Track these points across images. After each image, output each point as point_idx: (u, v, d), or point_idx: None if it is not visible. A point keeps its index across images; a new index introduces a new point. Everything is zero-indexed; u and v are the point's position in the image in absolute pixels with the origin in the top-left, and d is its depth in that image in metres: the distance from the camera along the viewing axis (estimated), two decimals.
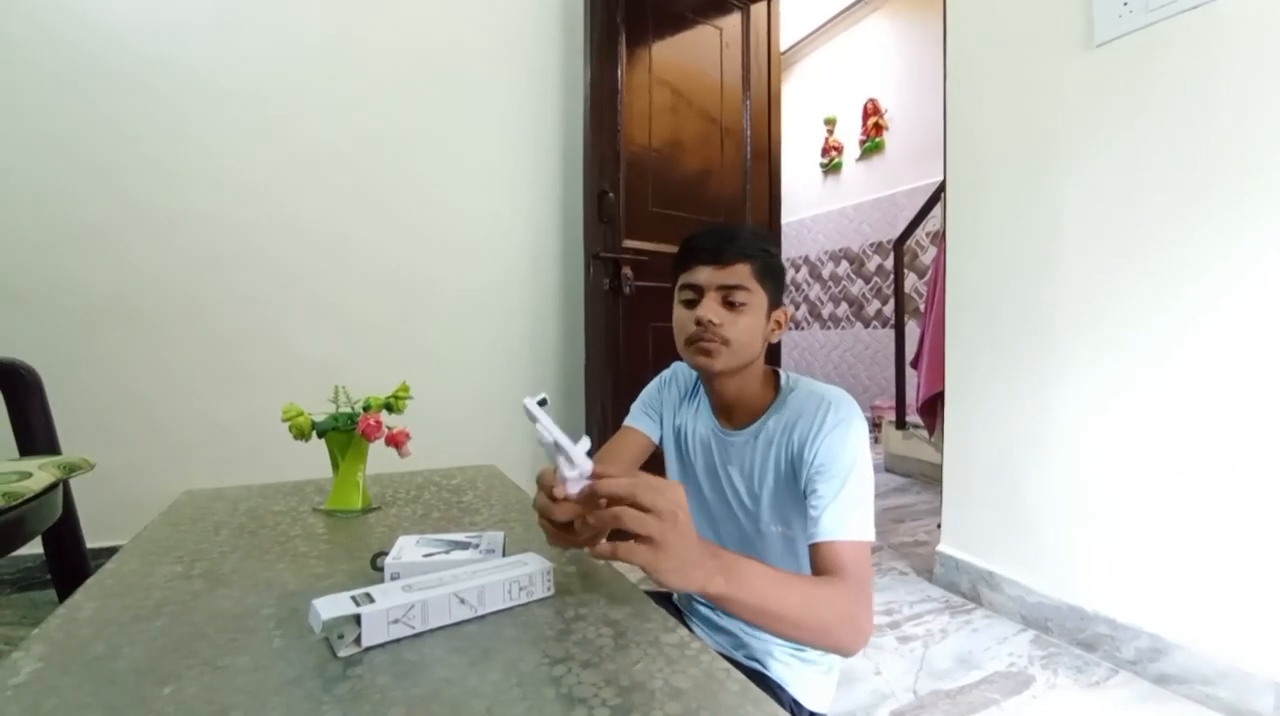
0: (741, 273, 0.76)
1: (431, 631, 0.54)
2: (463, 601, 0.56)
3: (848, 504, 0.69)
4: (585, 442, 0.57)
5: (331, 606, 0.51)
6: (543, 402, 0.57)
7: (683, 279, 0.80)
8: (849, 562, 0.66)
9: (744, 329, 0.76)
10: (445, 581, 0.57)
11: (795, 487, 0.75)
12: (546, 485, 0.58)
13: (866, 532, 0.69)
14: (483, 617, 0.57)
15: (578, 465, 0.56)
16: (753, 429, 0.81)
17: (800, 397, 0.78)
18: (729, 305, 0.76)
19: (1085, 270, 1.45)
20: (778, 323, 0.81)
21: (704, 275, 0.77)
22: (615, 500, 0.52)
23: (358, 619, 0.50)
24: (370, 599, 0.52)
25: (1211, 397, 1.24)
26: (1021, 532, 1.60)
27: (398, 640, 0.52)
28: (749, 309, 0.77)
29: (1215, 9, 1.22)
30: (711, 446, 0.86)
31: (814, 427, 0.73)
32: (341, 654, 0.50)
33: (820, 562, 0.67)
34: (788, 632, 0.60)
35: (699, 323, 0.75)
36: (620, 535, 0.53)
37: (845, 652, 0.64)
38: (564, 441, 0.55)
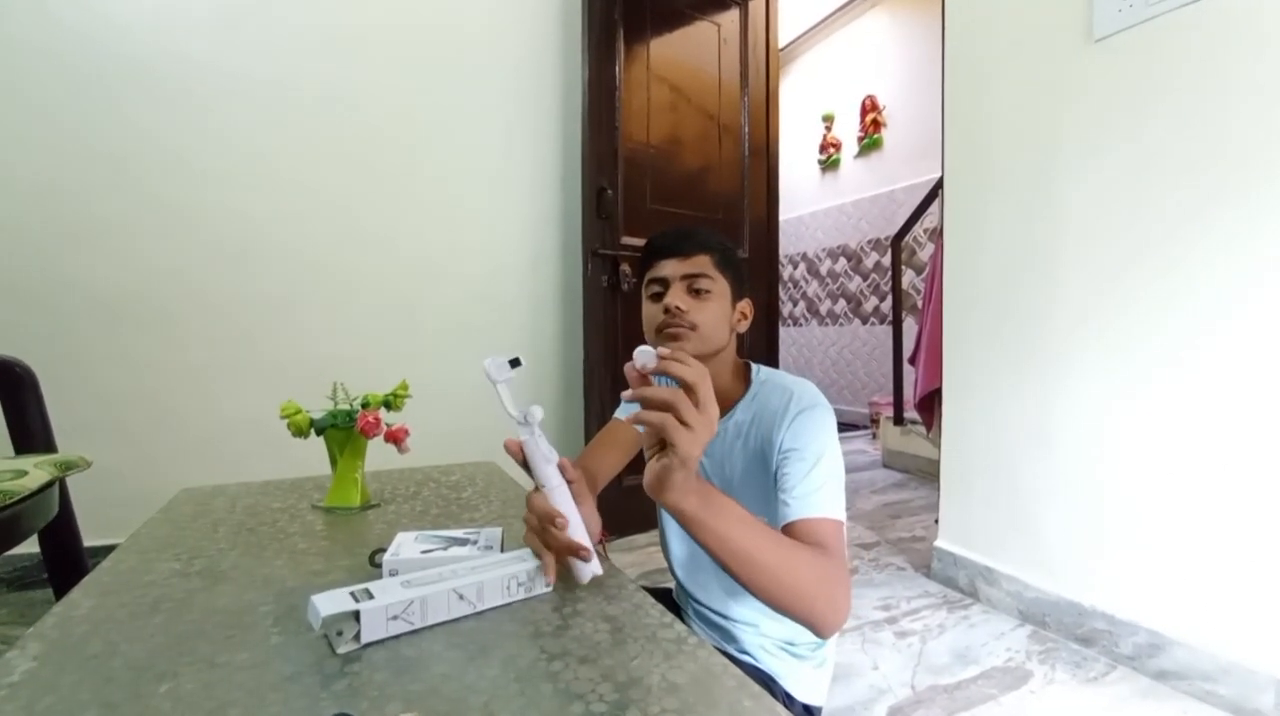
0: (703, 263, 0.80)
1: (430, 627, 0.54)
2: (461, 597, 0.56)
3: (819, 482, 0.69)
4: (537, 412, 0.63)
5: (330, 603, 0.51)
6: (515, 363, 0.63)
7: (649, 275, 0.83)
8: (827, 538, 0.65)
9: (710, 314, 0.79)
10: (444, 577, 0.57)
11: (764, 476, 0.76)
12: (547, 514, 0.61)
13: (840, 513, 0.69)
14: (481, 613, 0.57)
15: (547, 457, 0.62)
16: (722, 420, 0.82)
17: (769, 390, 0.81)
18: (694, 293, 0.80)
19: (1084, 267, 1.45)
20: (743, 313, 0.85)
21: (668, 268, 0.81)
22: (661, 405, 0.52)
23: (356, 615, 0.50)
24: (369, 595, 0.52)
25: (1212, 394, 1.24)
26: (1019, 528, 1.61)
27: (396, 636, 0.52)
28: (713, 297, 0.80)
29: (1215, 1, 1.22)
30: None
31: (781, 415, 0.75)
32: (340, 650, 0.50)
33: (797, 541, 0.66)
34: (762, 584, 0.58)
35: (667, 310, 0.78)
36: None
37: (821, 628, 0.61)
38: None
